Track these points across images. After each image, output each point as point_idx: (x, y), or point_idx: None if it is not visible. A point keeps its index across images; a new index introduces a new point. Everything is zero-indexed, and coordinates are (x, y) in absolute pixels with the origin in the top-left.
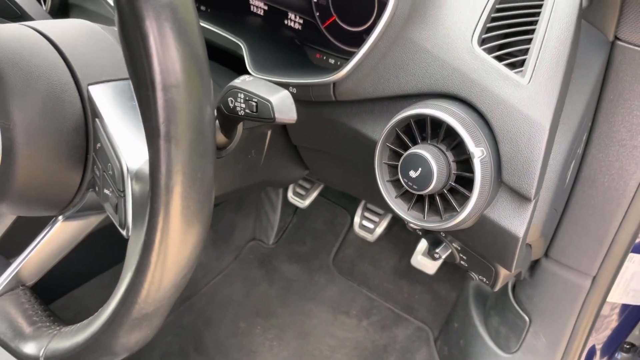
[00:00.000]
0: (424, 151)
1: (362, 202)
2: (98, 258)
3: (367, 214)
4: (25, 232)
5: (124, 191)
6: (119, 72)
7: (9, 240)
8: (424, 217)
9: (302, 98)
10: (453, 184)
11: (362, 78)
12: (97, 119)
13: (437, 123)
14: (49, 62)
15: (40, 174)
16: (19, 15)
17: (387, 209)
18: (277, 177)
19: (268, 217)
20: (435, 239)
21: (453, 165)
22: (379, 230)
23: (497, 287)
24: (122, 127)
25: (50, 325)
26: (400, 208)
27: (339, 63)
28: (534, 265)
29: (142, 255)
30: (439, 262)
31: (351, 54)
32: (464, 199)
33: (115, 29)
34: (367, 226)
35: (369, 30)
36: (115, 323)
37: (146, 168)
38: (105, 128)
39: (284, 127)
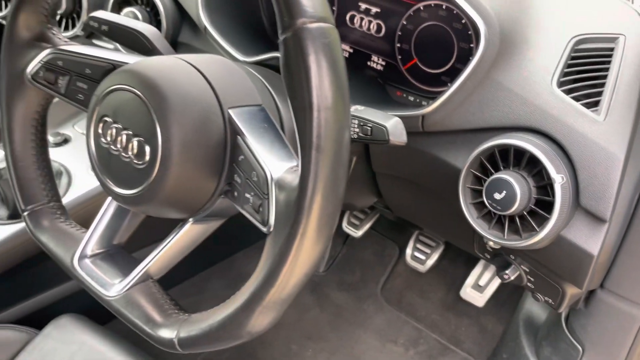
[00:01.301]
0: (509, 176)
1: (415, 235)
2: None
3: (419, 246)
4: (142, 229)
5: (268, 194)
6: (249, 99)
7: (130, 236)
8: (504, 236)
9: None
10: (533, 207)
11: (450, 112)
12: (238, 136)
13: (520, 152)
14: (199, 88)
15: (186, 182)
16: (150, 50)
17: (452, 236)
18: (353, 201)
19: None
20: (503, 262)
21: (533, 190)
22: (430, 262)
23: (562, 308)
24: (261, 143)
25: (179, 313)
26: (481, 227)
27: (418, 100)
28: (589, 296)
29: (285, 245)
30: (487, 295)
31: (430, 93)
32: (542, 220)
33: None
34: (419, 257)
35: (447, 73)
36: (254, 304)
37: (286, 177)
38: (248, 144)
39: (367, 155)
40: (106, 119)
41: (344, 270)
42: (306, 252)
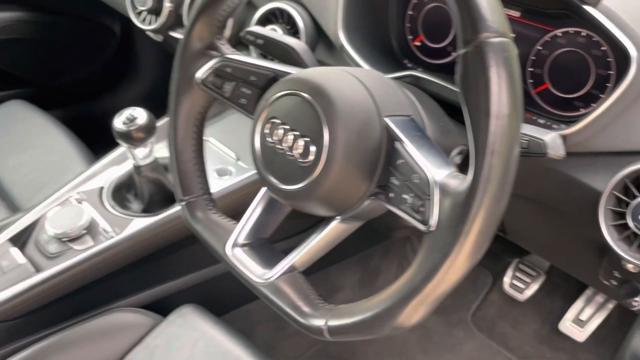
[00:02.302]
0: None
1: (514, 263)
2: None
3: (518, 274)
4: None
5: (429, 195)
6: (401, 109)
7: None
8: None
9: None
10: None
11: (593, 134)
12: (396, 142)
13: None
14: (361, 96)
15: (343, 181)
16: (298, 62)
17: (569, 262)
18: None
19: None
20: (633, 289)
21: None
22: (529, 292)
23: None
24: (419, 149)
25: (325, 303)
26: (622, 249)
27: (548, 123)
28: None
29: (449, 243)
30: (589, 330)
31: (560, 117)
32: None
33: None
34: (518, 286)
35: (581, 98)
36: (410, 297)
37: (449, 181)
38: (407, 149)
39: None
40: (274, 120)
41: None
42: (467, 253)
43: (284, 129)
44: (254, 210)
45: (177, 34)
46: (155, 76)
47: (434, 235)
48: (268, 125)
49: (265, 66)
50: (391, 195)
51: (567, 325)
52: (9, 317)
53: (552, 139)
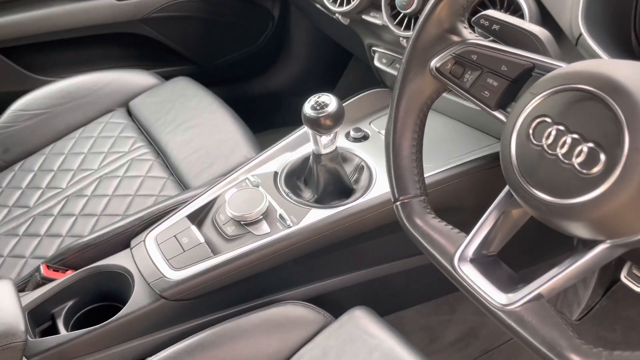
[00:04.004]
0: None
1: None
2: (424, 288)
3: None
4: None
5: None
6: None
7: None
8: None
9: None
10: None
11: None
12: None
13: None
14: None
15: (637, 202)
16: (541, 53)
17: None
18: None
19: (576, 292)
20: None
21: None
22: None
23: None
24: None
25: (586, 343)
26: None
27: None
28: None
29: None
30: None
31: None
32: None
33: None
34: None
35: None
36: None
37: None
38: None
39: None
40: (545, 119)
41: (601, 325)
42: None
43: (558, 130)
44: (484, 222)
45: (370, 18)
46: (306, 61)
47: None
48: (533, 124)
49: (523, 55)
50: None
51: None
52: (184, 297)
53: None
